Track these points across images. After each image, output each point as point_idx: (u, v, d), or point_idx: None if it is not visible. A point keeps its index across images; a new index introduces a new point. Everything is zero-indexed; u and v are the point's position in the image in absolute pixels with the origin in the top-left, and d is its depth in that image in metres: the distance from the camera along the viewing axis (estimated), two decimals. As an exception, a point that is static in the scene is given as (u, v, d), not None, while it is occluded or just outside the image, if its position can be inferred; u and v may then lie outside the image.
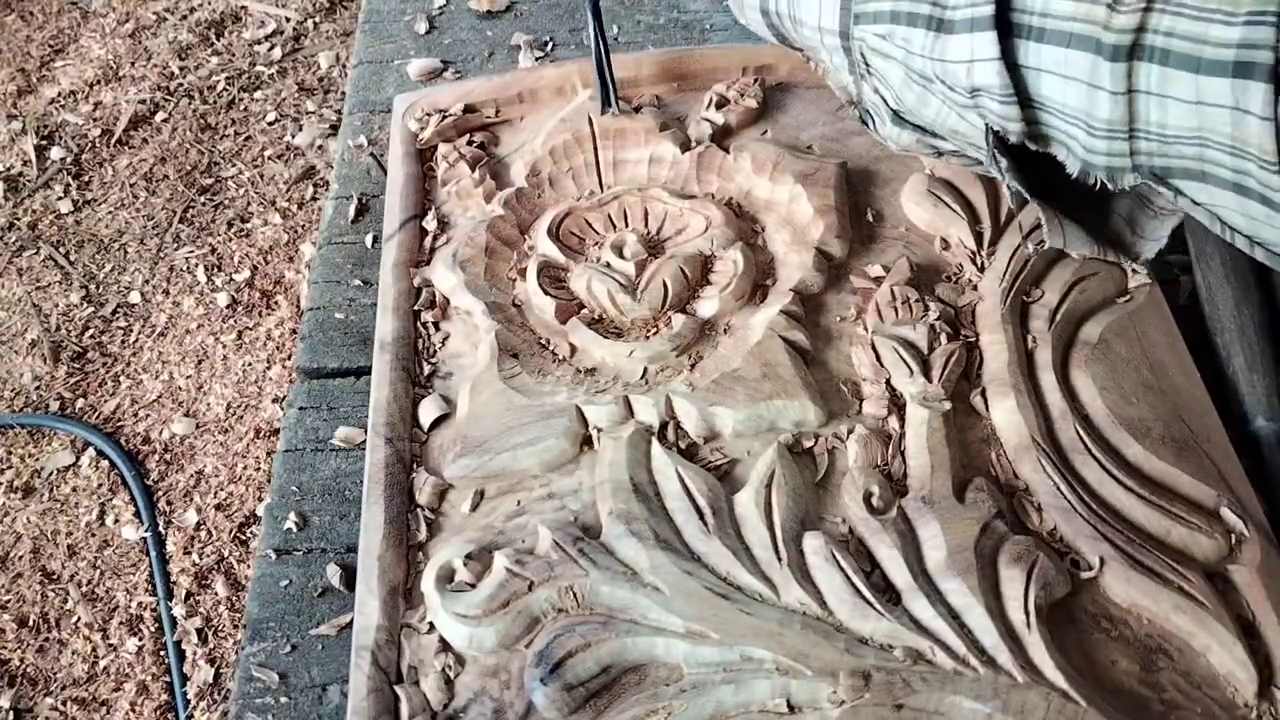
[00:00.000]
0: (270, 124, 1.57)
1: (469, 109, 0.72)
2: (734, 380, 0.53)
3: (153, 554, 1.13)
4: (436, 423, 0.56)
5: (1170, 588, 0.45)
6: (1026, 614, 0.44)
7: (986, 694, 0.42)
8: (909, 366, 0.54)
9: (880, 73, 0.42)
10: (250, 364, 1.29)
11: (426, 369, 0.58)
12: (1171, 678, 0.45)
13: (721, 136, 0.69)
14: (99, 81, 1.66)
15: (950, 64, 0.38)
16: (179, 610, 1.09)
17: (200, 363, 1.30)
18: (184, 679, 1.05)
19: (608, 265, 0.60)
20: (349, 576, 0.54)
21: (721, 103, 0.70)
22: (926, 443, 0.51)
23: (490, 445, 0.53)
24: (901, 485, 0.50)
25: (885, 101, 0.43)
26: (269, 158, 1.52)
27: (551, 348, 0.58)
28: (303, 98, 1.59)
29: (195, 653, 1.07)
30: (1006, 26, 0.36)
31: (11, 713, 1.06)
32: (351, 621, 0.50)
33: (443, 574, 0.49)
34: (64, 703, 1.06)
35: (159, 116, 1.59)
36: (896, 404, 0.53)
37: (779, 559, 0.47)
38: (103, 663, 1.08)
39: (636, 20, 0.85)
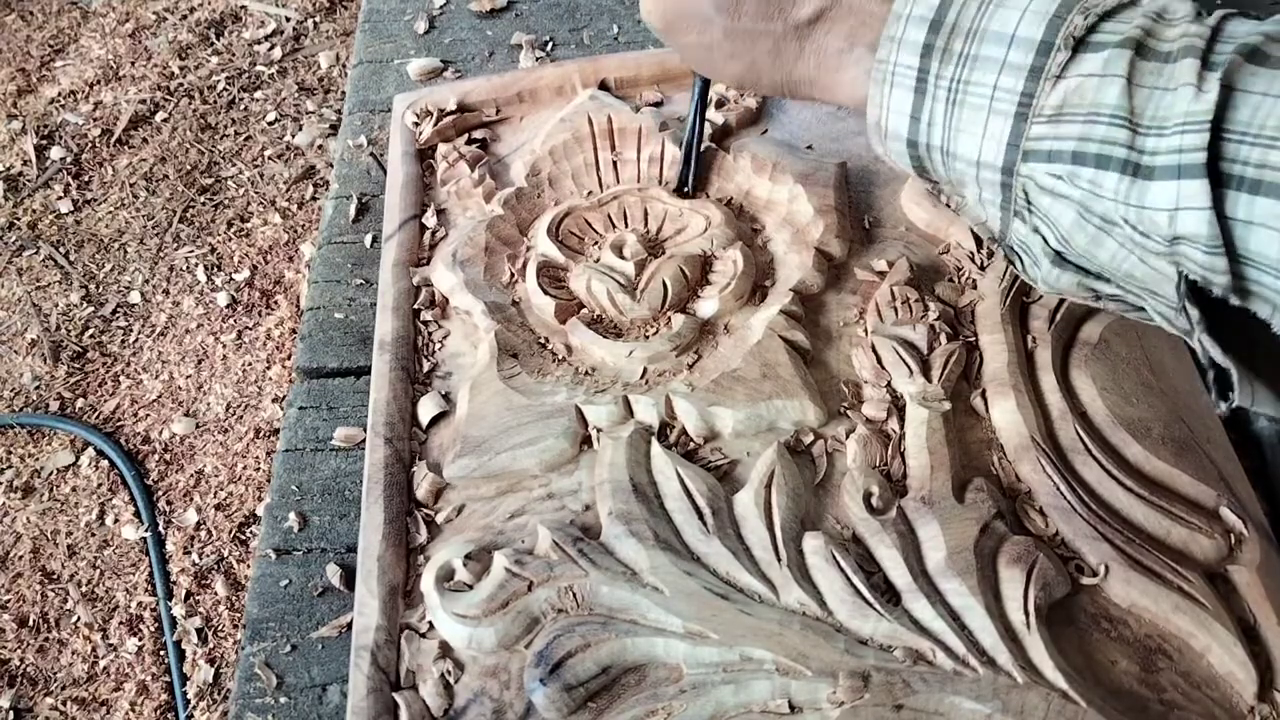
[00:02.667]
0: (270, 124, 1.57)
1: (469, 108, 0.72)
2: (734, 380, 0.53)
3: (153, 554, 1.14)
4: (436, 421, 0.56)
5: (1170, 588, 0.45)
6: (1026, 614, 0.44)
7: (986, 694, 0.42)
8: (909, 366, 0.54)
9: (1045, 212, 0.40)
10: (250, 364, 1.29)
11: (426, 369, 0.58)
12: (1171, 678, 0.44)
13: (721, 136, 0.69)
14: (99, 81, 1.66)
15: (1149, 210, 0.36)
16: (179, 610, 1.09)
17: (200, 363, 1.30)
18: (184, 679, 1.05)
19: (608, 265, 0.60)
20: (349, 576, 0.54)
21: (721, 102, 0.70)
22: (926, 443, 0.51)
23: (490, 445, 0.53)
24: (901, 485, 0.50)
25: (1046, 241, 0.41)
26: (269, 158, 1.52)
27: (551, 347, 0.58)
28: (303, 98, 1.60)
29: (195, 653, 1.07)
30: (1216, 176, 0.34)
31: (11, 713, 1.06)
32: (351, 622, 0.50)
33: (442, 574, 0.49)
34: (64, 703, 1.06)
35: (159, 116, 1.60)
36: (896, 404, 0.53)
37: (779, 559, 0.47)
38: (103, 663, 1.08)
39: (637, 20, 0.84)
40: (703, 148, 0.64)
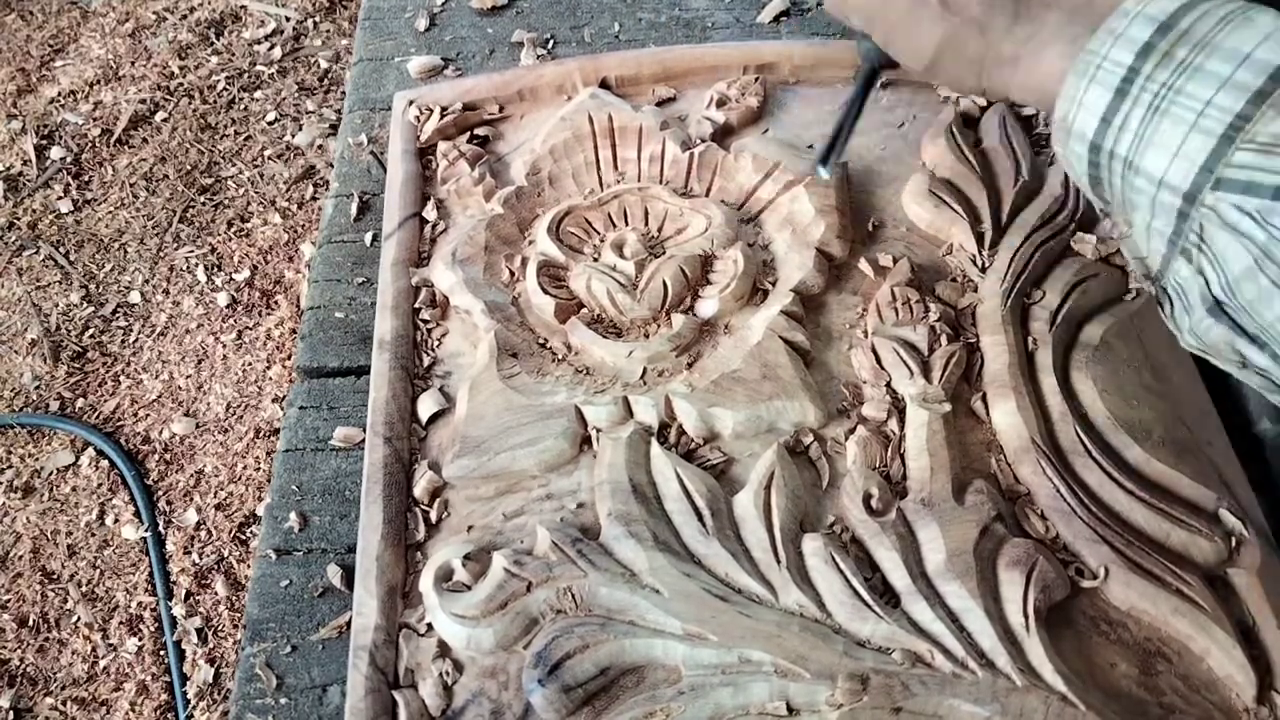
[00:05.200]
0: (270, 124, 1.57)
1: (469, 106, 0.72)
2: (733, 381, 0.53)
3: (153, 554, 1.14)
4: (435, 419, 0.56)
5: (1170, 591, 0.45)
6: (1025, 617, 0.44)
7: (985, 697, 0.42)
8: (909, 368, 0.53)
9: (1219, 251, 0.36)
10: (250, 364, 1.29)
11: (425, 368, 0.58)
12: (1170, 681, 0.44)
13: (722, 135, 0.68)
14: (99, 81, 1.66)
15: None
16: (179, 610, 1.09)
17: (200, 362, 1.30)
18: (184, 679, 1.05)
19: (608, 264, 0.60)
20: (349, 577, 0.54)
21: (722, 101, 0.70)
22: (926, 445, 0.51)
23: (489, 445, 0.53)
24: (901, 487, 0.50)
25: (1208, 285, 0.38)
26: (269, 157, 1.52)
27: (550, 347, 0.58)
28: (303, 97, 1.59)
29: (195, 653, 1.07)
30: None
31: (11, 712, 1.06)
32: (350, 622, 0.50)
33: (441, 574, 0.48)
34: (64, 702, 1.06)
35: (159, 116, 1.59)
36: (897, 405, 0.53)
37: (778, 561, 0.47)
38: (103, 663, 1.08)
39: (638, 18, 0.84)
40: (850, 135, 0.60)
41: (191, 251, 1.43)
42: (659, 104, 0.71)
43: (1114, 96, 0.38)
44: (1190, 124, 0.36)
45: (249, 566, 1.11)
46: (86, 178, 1.54)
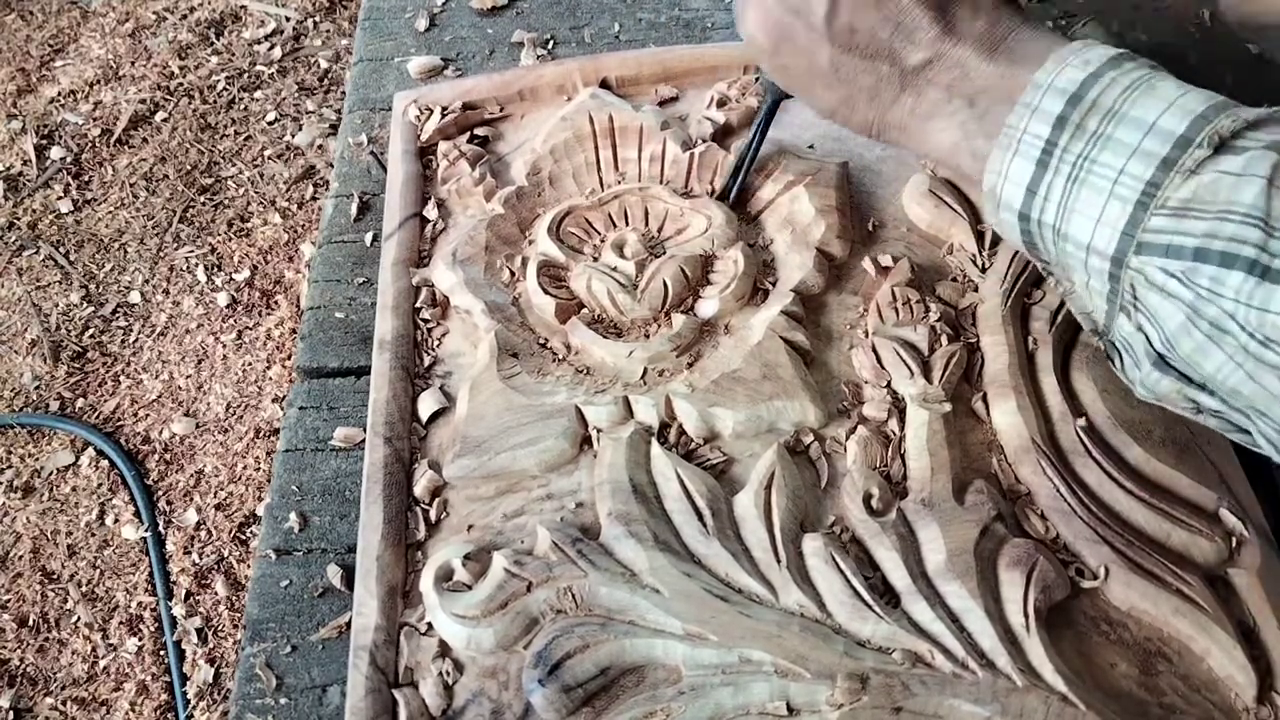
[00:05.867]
0: (270, 124, 1.57)
1: (469, 106, 0.72)
2: (734, 381, 0.53)
3: (153, 554, 1.14)
4: (435, 419, 0.56)
5: (1170, 591, 0.45)
6: (1026, 617, 0.44)
7: (985, 697, 0.42)
8: (909, 368, 0.53)
9: (1153, 311, 0.38)
10: (250, 364, 1.29)
11: (425, 368, 0.58)
12: (1171, 681, 0.44)
13: (723, 135, 0.68)
14: (99, 81, 1.66)
15: (1272, 315, 0.34)
16: (179, 610, 1.09)
17: (200, 362, 1.30)
18: (184, 679, 1.05)
19: (608, 264, 0.60)
20: (349, 577, 0.54)
21: (722, 101, 0.70)
22: (926, 445, 0.51)
23: (489, 445, 0.53)
24: (901, 487, 0.50)
25: (1149, 341, 0.39)
26: (269, 157, 1.52)
27: (551, 347, 0.58)
28: (303, 97, 1.59)
29: (195, 653, 1.07)
30: None
31: (11, 713, 1.06)
32: (351, 622, 0.50)
33: (441, 574, 0.48)
34: (64, 702, 1.06)
35: (159, 116, 1.59)
36: (897, 405, 0.53)
37: (778, 561, 0.47)
38: (103, 663, 1.08)
39: (638, 18, 0.84)
40: (753, 165, 0.63)
41: (191, 251, 1.43)
42: (661, 103, 0.71)
43: (1036, 168, 0.40)
44: (1107, 192, 0.38)
45: (249, 566, 1.11)
46: (86, 178, 1.54)
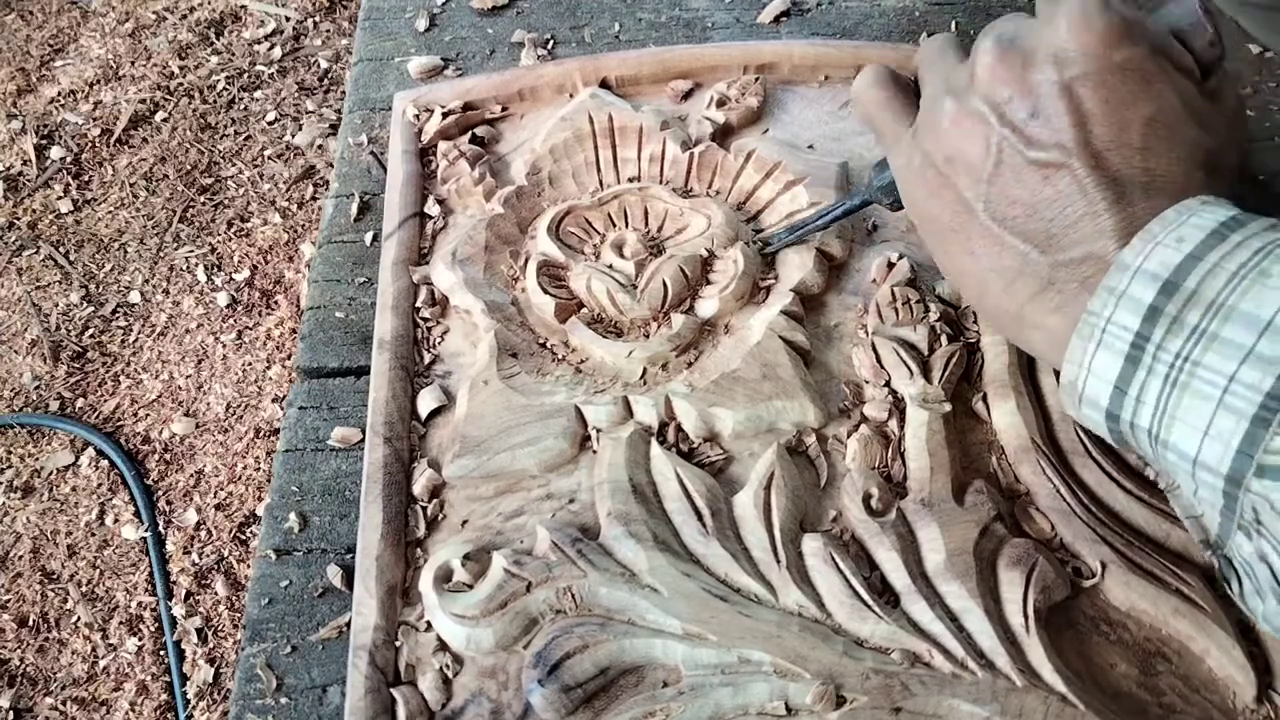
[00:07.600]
0: (270, 124, 1.57)
1: (469, 106, 0.72)
2: (733, 381, 0.53)
3: (153, 554, 1.14)
4: (435, 417, 0.56)
5: (1169, 591, 0.45)
6: (1025, 617, 0.44)
7: (985, 697, 0.42)
8: (909, 368, 0.53)
9: (1279, 540, 0.33)
10: (250, 364, 1.29)
11: (425, 367, 0.58)
12: (1170, 681, 0.44)
13: (722, 135, 0.68)
14: (99, 81, 1.66)
15: None
16: (179, 610, 1.09)
17: (200, 362, 1.30)
18: (184, 679, 1.05)
19: (608, 264, 0.60)
20: (350, 577, 0.54)
21: (722, 101, 0.70)
22: (926, 445, 0.51)
23: (489, 445, 0.53)
24: (901, 487, 0.50)
25: (1274, 573, 0.34)
26: (269, 157, 1.52)
27: (550, 347, 0.58)
28: (303, 97, 1.60)
29: (195, 653, 1.07)
30: None
31: (11, 713, 1.06)
32: (350, 622, 0.50)
33: (440, 574, 0.48)
34: (64, 702, 1.06)
35: (159, 116, 1.60)
36: (897, 405, 0.53)
37: (777, 561, 0.47)
38: (103, 663, 1.08)
39: (638, 18, 0.84)
40: (805, 238, 0.60)
41: (191, 251, 1.43)
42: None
43: (1125, 363, 0.34)
44: (1216, 400, 0.32)
45: (249, 566, 1.11)
46: (86, 178, 1.54)
